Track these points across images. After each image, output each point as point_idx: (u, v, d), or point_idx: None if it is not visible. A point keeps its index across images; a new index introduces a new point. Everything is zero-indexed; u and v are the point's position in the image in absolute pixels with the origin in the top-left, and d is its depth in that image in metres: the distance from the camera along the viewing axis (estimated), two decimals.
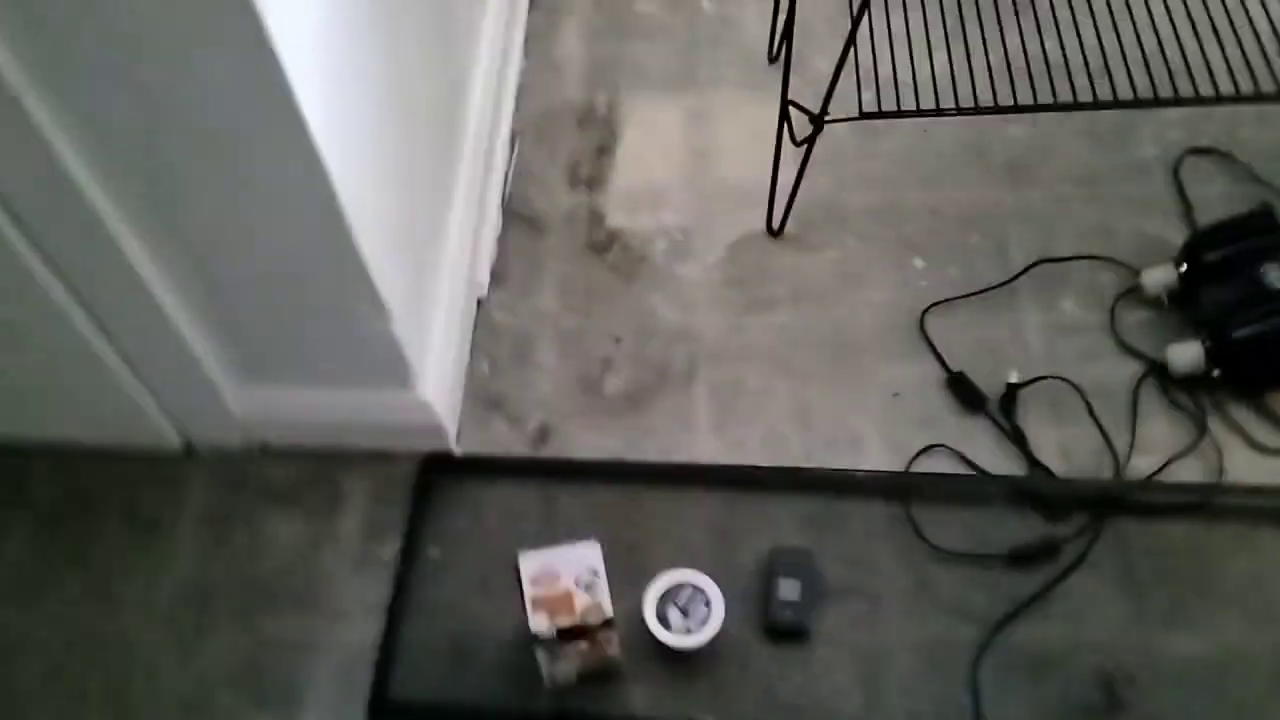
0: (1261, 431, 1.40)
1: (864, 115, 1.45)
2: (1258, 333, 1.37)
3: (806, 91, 1.48)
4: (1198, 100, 1.36)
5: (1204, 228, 1.49)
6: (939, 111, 1.47)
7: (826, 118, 1.45)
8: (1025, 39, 1.46)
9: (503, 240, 1.65)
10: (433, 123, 1.47)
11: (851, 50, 1.37)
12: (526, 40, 1.88)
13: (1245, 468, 1.37)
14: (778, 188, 1.59)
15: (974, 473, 1.39)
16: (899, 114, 1.46)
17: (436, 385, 1.40)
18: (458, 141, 1.58)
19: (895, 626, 1.30)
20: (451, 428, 1.45)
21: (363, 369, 1.34)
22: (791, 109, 1.49)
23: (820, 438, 1.45)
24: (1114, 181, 1.64)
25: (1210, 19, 1.42)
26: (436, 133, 1.49)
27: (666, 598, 1.26)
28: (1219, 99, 1.37)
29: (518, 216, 1.68)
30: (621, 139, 1.75)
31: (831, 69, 1.38)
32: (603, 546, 1.19)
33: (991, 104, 1.41)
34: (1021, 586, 1.31)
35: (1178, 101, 1.37)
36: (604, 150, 1.75)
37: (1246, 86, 1.37)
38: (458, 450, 1.46)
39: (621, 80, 1.82)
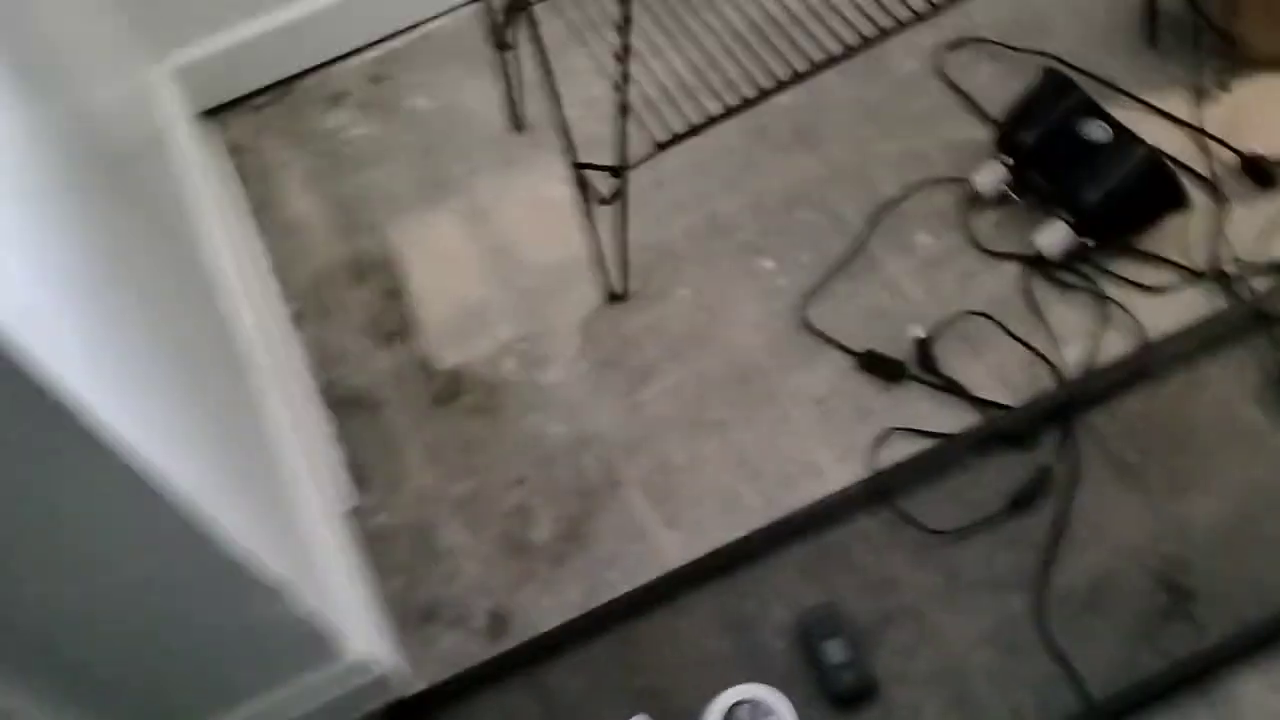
0: (1148, 274, 1.41)
1: (662, 147, 1.35)
2: (1107, 188, 1.37)
3: (558, 144, 1.35)
4: (935, 9, 1.34)
5: (1009, 113, 1.49)
6: (727, 113, 1.39)
7: (629, 166, 1.34)
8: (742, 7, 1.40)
9: (342, 438, 1.43)
10: (213, 364, 1.25)
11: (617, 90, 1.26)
12: (255, 217, 1.65)
13: (1153, 312, 1.37)
14: (602, 250, 1.47)
15: (935, 440, 1.32)
16: (692, 132, 1.36)
17: (361, 633, 1.18)
18: (243, 365, 1.35)
19: (950, 631, 1.21)
20: (398, 669, 1.23)
21: (278, 662, 1.11)
22: (585, 171, 1.37)
23: (774, 480, 1.33)
24: (896, 107, 1.61)
25: None
26: (222, 371, 1.26)
27: None
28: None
29: (342, 403, 1.46)
30: (409, 274, 1.57)
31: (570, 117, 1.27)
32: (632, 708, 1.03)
33: (763, 88, 1.34)
34: (1037, 528, 1.25)
35: (919, 18, 1.34)
36: (395, 293, 1.56)
37: None
38: (418, 687, 1.24)
39: (376, 214, 1.64)
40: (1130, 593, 1.20)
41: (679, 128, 1.39)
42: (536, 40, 1.32)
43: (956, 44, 1.65)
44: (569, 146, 1.34)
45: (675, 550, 1.30)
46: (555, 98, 1.33)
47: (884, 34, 1.37)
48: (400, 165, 1.68)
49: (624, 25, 1.21)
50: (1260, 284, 1.37)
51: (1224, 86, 1.52)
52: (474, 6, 1.80)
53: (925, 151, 1.56)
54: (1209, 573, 1.20)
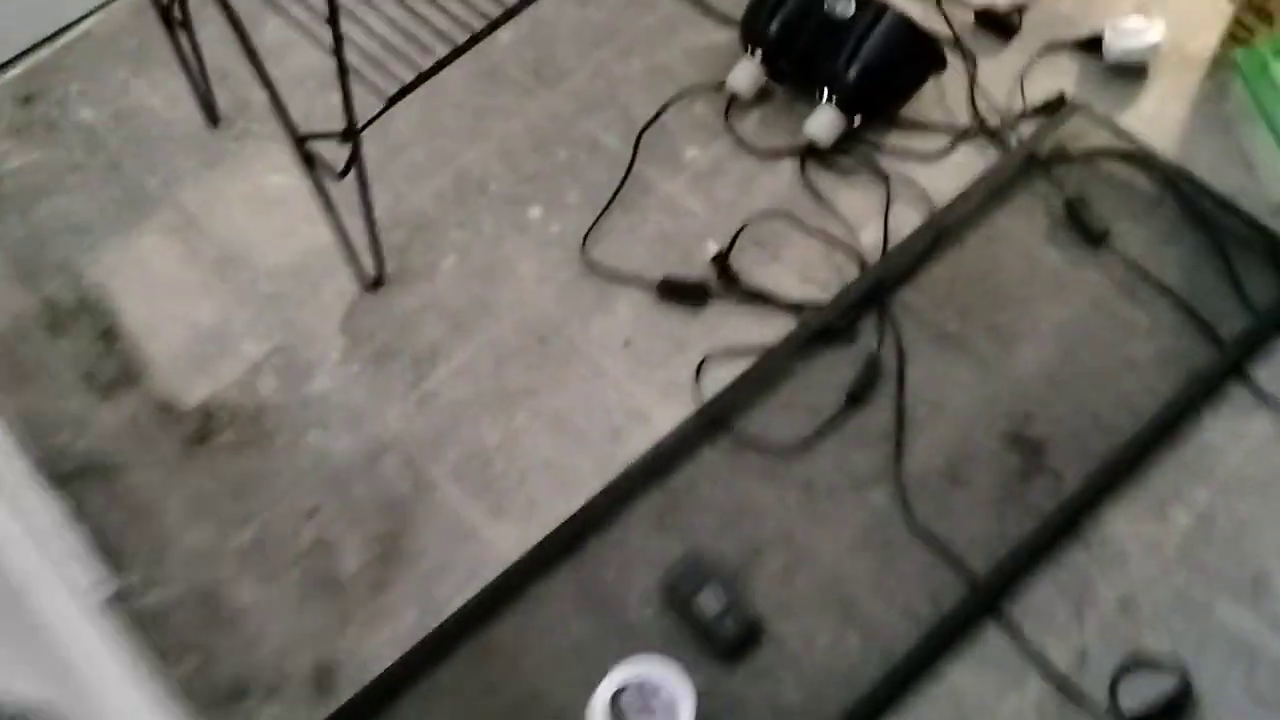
0: (919, 141, 1.37)
1: (392, 100, 1.18)
2: (864, 62, 1.31)
3: (265, 129, 1.16)
4: None
5: (747, 8, 1.41)
6: (454, 53, 1.23)
7: (359, 128, 1.16)
8: None
9: (81, 516, 1.18)
10: None
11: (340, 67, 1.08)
12: None
13: (933, 178, 1.34)
14: (347, 234, 1.27)
15: (756, 355, 1.22)
16: (422, 79, 1.20)
17: None
18: None
19: (821, 546, 1.12)
20: None
21: None
22: (311, 143, 1.17)
23: (600, 438, 1.20)
24: (628, 24, 1.50)
25: None
26: None
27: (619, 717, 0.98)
28: None
29: (72, 476, 1.20)
30: (120, 310, 1.32)
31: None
32: None
33: (488, 18, 1.20)
34: (879, 417, 1.18)
35: None
36: (109, 335, 1.30)
37: None
38: None
39: (63, 253, 1.37)
40: (984, 460, 1.16)
41: (407, 77, 1.22)
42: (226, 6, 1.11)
43: None
44: (286, 122, 1.15)
45: (510, 542, 1.14)
46: (260, 69, 1.13)
47: None
48: (81, 191, 1.42)
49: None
50: (1024, 130, 1.36)
51: None
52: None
53: (670, 65, 1.46)
54: (1051, 420, 1.17)
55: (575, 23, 1.51)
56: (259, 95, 1.46)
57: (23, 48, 1.53)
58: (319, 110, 1.40)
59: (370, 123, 1.18)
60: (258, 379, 1.26)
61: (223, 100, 1.45)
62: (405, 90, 1.21)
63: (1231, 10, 1.33)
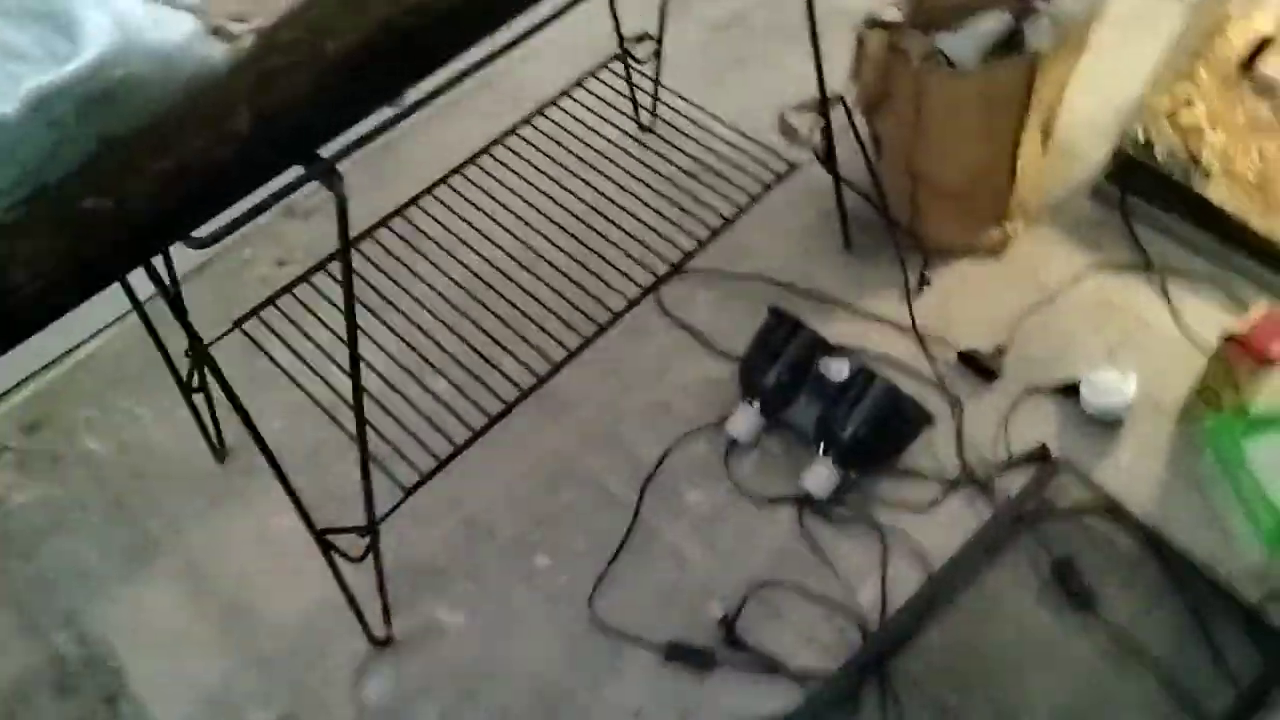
0: (910, 490, 1.42)
1: (410, 491, 1.22)
2: (857, 426, 1.37)
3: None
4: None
5: (744, 358, 1.47)
6: (469, 443, 1.27)
7: (379, 522, 1.19)
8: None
9: None
10: None
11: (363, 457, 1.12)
12: None
13: (925, 530, 1.39)
14: (357, 602, 1.29)
15: None
16: (439, 468, 1.24)
17: None
18: None
19: None
20: None
21: None
22: (331, 537, 1.20)
23: None
24: (628, 355, 1.56)
25: None
26: None
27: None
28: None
29: None
30: (125, 667, 1.32)
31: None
32: None
33: (505, 401, 1.26)
34: None
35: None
36: (113, 699, 1.30)
37: None
38: None
39: (70, 600, 1.37)
40: None
41: (423, 464, 1.26)
42: (226, 388, 1.13)
43: (668, 277, 1.62)
44: (304, 514, 1.17)
45: None
46: (271, 459, 1.15)
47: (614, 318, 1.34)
48: (87, 530, 1.43)
49: (354, 370, 1.06)
50: (1008, 482, 1.42)
51: (925, 281, 1.60)
52: (133, 317, 1.57)
53: (670, 400, 1.52)
54: None
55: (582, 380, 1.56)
56: (270, 425, 1.49)
57: (28, 371, 1.54)
58: (322, 442, 1.43)
59: (388, 515, 1.21)
60: None
61: (230, 432, 1.48)
62: (423, 480, 1.25)
63: (1203, 363, 1.42)
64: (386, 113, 0.92)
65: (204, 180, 0.79)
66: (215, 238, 0.84)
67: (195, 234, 0.83)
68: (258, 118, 0.80)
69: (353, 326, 0.99)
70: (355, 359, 1.02)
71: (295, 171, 0.87)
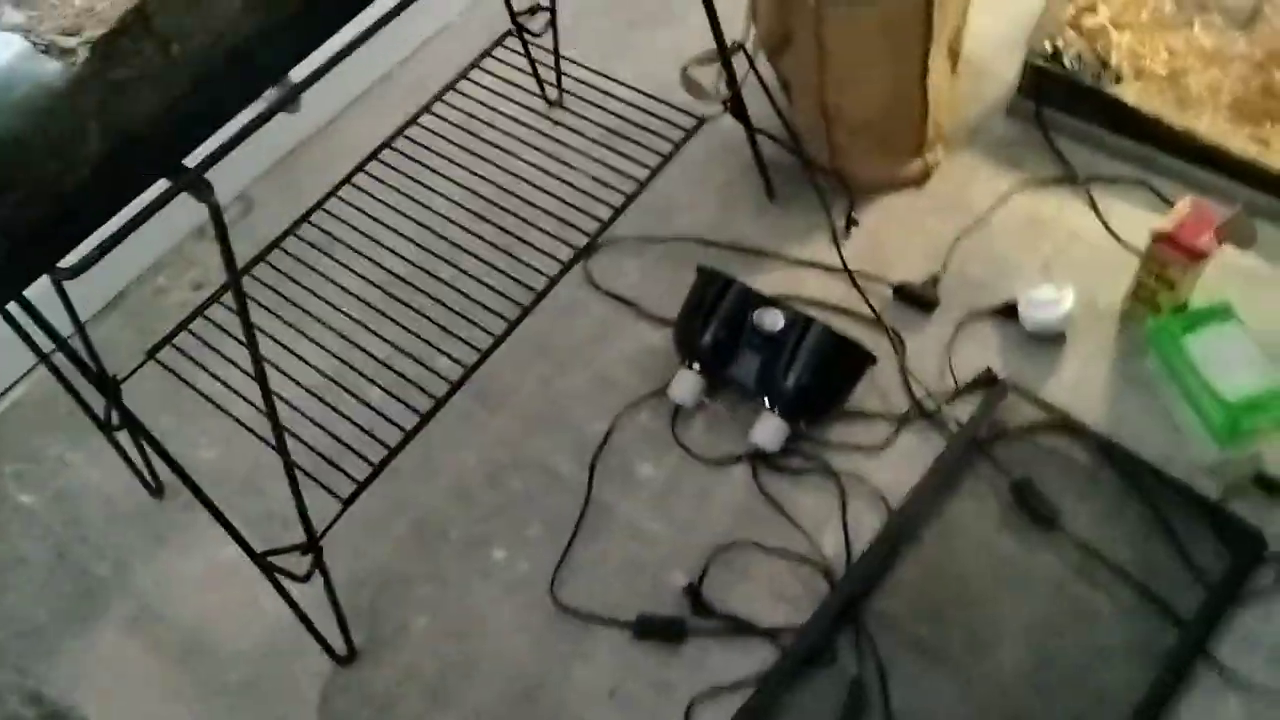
0: (862, 432, 1.40)
1: (349, 502, 1.19)
2: (798, 375, 1.35)
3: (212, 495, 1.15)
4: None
5: (678, 322, 1.45)
6: (401, 445, 1.24)
7: (320, 536, 1.15)
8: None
9: None
10: None
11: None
12: None
13: (882, 470, 1.37)
14: (312, 623, 1.26)
15: (744, 692, 1.23)
16: (375, 475, 1.21)
17: None
18: None
19: None
20: None
21: None
22: (273, 559, 1.16)
23: None
24: (562, 334, 1.53)
25: None
26: None
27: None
28: None
29: None
30: None
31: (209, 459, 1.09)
32: None
33: (435, 399, 1.22)
34: None
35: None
36: None
37: None
38: None
39: (18, 657, 1.32)
40: None
41: (359, 474, 1.23)
42: (135, 424, 1.09)
43: (592, 248, 1.59)
44: (241, 541, 1.14)
45: None
46: (200, 495, 1.11)
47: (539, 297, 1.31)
48: (31, 587, 1.38)
49: (260, 374, 1.01)
50: (958, 410, 1.40)
51: (852, 221, 1.57)
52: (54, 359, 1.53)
53: (610, 373, 1.49)
54: None
55: (512, 335, 1.53)
56: (203, 456, 1.46)
57: None
58: (258, 466, 1.40)
59: (329, 529, 1.18)
60: None
61: (163, 467, 1.43)
62: (360, 489, 1.22)
63: (1135, 267, 1.41)
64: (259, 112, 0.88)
65: (59, 209, 0.75)
66: (83, 266, 0.80)
67: (61, 265, 0.79)
68: (110, 135, 0.76)
69: (252, 341, 0.96)
70: (261, 373, 0.98)
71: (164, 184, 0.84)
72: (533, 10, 1.57)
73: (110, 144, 0.76)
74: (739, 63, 1.41)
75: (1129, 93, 1.54)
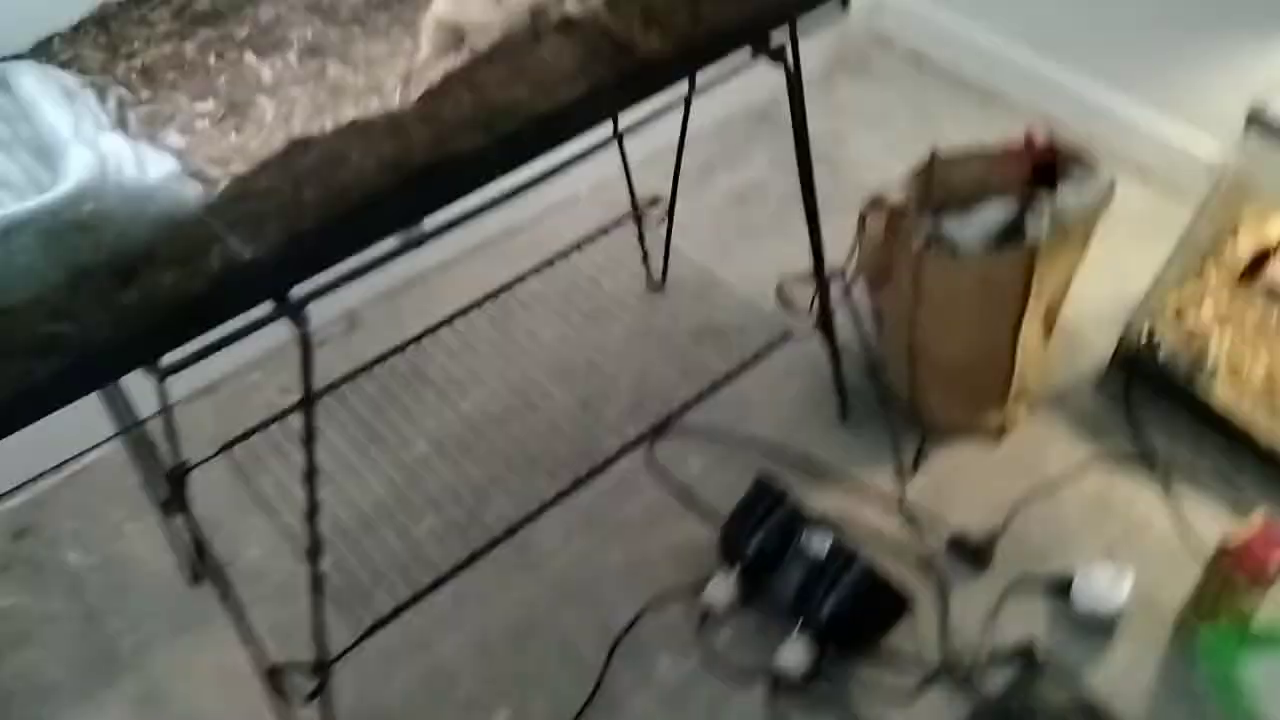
0: (888, 675, 1.37)
1: (369, 632, 1.20)
2: (834, 606, 1.34)
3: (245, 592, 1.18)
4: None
5: (726, 524, 1.45)
6: (434, 586, 1.26)
7: (331, 661, 1.17)
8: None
9: None
10: None
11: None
12: None
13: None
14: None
15: None
16: (398, 611, 1.23)
17: None
18: None
19: None
20: None
21: None
22: (280, 672, 1.18)
23: None
24: (613, 510, 1.54)
25: None
26: None
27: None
28: None
29: None
30: None
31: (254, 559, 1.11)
32: None
33: (473, 549, 1.25)
34: None
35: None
36: None
37: None
38: None
39: (32, 713, 1.35)
40: None
41: (384, 605, 1.25)
42: (187, 513, 1.14)
43: (660, 432, 1.62)
44: (256, 652, 1.16)
45: None
46: (222, 584, 1.15)
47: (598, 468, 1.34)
48: (56, 642, 1.42)
49: (311, 502, 1.05)
50: (993, 676, 1.36)
51: (920, 458, 1.57)
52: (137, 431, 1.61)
53: (651, 559, 1.49)
54: None
55: (562, 503, 1.55)
56: (249, 553, 1.50)
57: (21, 479, 1.57)
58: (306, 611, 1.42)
59: (342, 655, 1.19)
60: None
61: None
62: (382, 622, 1.23)
63: (1199, 569, 1.37)
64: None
65: (170, 313, 0.82)
66: (180, 366, 0.86)
67: (162, 363, 0.85)
68: (229, 257, 0.83)
69: (310, 459, 1.00)
70: (311, 483, 1.02)
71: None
72: (654, 201, 1.66)
73: (227, 266, 0.83)
74: (835, 286, 1.46)
75: (1222, 393, 1.53)
